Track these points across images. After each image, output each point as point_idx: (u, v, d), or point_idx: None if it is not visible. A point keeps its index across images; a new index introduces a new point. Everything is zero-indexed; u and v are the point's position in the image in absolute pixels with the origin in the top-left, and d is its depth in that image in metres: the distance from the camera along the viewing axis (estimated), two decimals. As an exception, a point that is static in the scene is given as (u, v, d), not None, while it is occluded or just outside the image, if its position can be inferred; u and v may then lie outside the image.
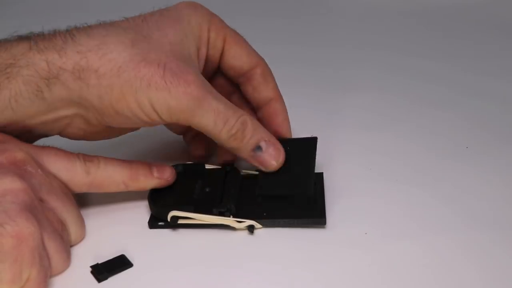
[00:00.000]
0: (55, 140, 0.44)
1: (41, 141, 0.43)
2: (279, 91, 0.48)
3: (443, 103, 0.60)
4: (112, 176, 0.43)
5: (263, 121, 0.47)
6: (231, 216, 0.43)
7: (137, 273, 0.40)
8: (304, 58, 0.70)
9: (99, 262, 0.40)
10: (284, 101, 0.48)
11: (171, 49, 0.41)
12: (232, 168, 0.47)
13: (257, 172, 0.48)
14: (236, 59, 0.46)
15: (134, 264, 0.40)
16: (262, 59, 0.47)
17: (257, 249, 0.42)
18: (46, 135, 0.44)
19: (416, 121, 0.57)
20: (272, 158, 0.44)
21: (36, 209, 0.37)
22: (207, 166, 0.48)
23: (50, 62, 0.39)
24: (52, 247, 0.38)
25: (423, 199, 0.46)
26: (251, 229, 0.43)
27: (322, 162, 0.49)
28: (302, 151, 0.45)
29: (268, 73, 0.47)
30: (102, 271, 0.40)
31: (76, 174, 0.42)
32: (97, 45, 0.39)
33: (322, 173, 0.47)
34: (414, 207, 0.45)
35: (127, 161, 0.44)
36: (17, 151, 0.39)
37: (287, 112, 0.48)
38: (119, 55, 0.39)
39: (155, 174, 0.44)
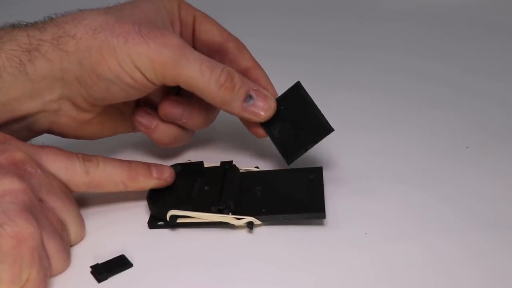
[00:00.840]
0: (55, 140, 0.44)
1: (41, 141, 0.43)
2: (256, 60, 0.48)
3: (443, 103, 0.60)
4: (111, 176, 0.43)
5: None
6: (230, 213, 0.43)
7: (137, 273, 0.40)
8: (304, 58, 0.70)
9: (99, 262, 0.40)
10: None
11: (144, 16, 0.43)
12: (231, 165, 0.48)
13: (256, 169, 0.48)
14: (207, 34, 0.48)
15: (134, 264, 0.40)
16: (232, 34, 0.48)
17: (256, 249, 0.42)
18: (38, 130, 0.45)
19: (416, 121, 0.57)
20: (265, 105, 0.45)
21: (35, 209, 0.37)
22: (206, 165, 0.48)
23: (31, 36, 0.41)
24: (52, 247, 0.38)
25: (423, 200, 0.46)
26: (250, 225, 0.43)
27: (322, 162, 0.49)
28: (295, 102, 0.46)
29: (241, 46, 0.48)
30: (102, 271, 0.40)
31: (75, 174, 0.42)
32: (73, 17, 0.42)
33: (321, 167, 0.47)
34: (414, 208, 0.45)
35: (127, 161, 0.44)
36: (17, 151, 0.39)
37: (268, 77, 0.48)
38: (94, 20, 0.41)
39: (154, 174, 0.44)
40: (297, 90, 0.46)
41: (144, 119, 0.47)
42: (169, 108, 0.46)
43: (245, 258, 0.41)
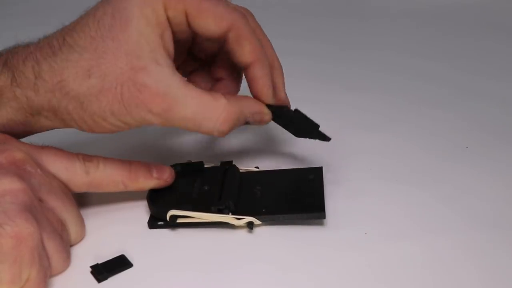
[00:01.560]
0: (55, 141, 0.44)
1: (41, 142, 0.43)
2: (259, 53, 0.43)
3: (443, 103, 0.60)
4: (111, 176, 0.43)
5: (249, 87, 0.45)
6: (230, 213, 0.43)
7: (137, 273, 0.40)
8: (303, 58, 0.70)
9: (99, 262, 0.40)
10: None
11: (129, 59, 0.40)
12: (231, 165, 0.48)
13: (256, 169, 0.48)
14: (204, 29, 0.42)
15: (134, 264, 0.40)
16: (237, 19, 0.42)
17: (256, 249, 0.42)
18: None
19: (416, 121, 0.57)
20: (262, 123, 0.45)
21: (35, 209, 0.37)
22: (206, 165, 0.48)
23: (29, 99, 0.41)
24: (52, 247, 0.38)
25: (423, 200, 0.46)
26: (250, 225, 0.43)
27: (322, 162, 0.49)
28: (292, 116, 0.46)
29: (243, 37, 0.42)
30: (102, 271, 0.40)
31: (75, 174, 0.42)
32: (59, 83, 0.40)
33: (321, 167, 0.47)
34: (414, 207, 0.45)
35: (127, 161, 0.44)
36: (16, 151, 0.39)
37: (267, 76, 0.44)
38: (79, 90, 0.40)
39: (154, 174, 0.44)
40: (293, 113, 0.46)
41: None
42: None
43: (245, 258, 0.41)
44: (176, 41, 0.42)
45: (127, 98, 0.39)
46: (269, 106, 0.45)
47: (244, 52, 0.43)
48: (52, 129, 0.43)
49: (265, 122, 0.45)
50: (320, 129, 0.46)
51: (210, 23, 0.41)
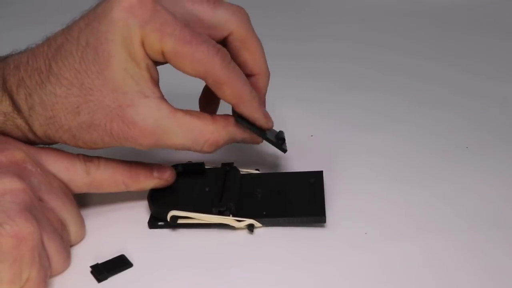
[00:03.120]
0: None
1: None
2: (241, 93, 0.42)
3: (443, 103, 0.60)
4: (112, 176, 0.43)
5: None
6: (231, 215, 0.43)
7: (137, 273, 0.40)
8: (304, 58, 0.70)
9: (99, 262, 0.40)
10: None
11: (115, 97, 0.39)
12: (232, 167, 0.48)
13: (257, 171, 0.48)
14: (180, 69, 0.41)
15: (134, 264, 0.40)
16: (215, 64, 0.40)
17: (256, 249, 0.42)
18: None
19: (416, 121, 0.57)
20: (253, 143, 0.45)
21: (35, 209, 0.37)
22: (207, 166, 0.48)
23: (27, 131, 0.42)
24: (52, 247, 0.38)
25: (423, 199, 0.46)
26: (251, 228, 0.43)
27: (323, 161, 0.49)
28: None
29: (219, 82, 0.41)
30: (102, 271, 0.40)
31: (76, 174, 0.42)
32: (51, 118, 0.40)
33: (321, 171, 0.47)
34: (414, 207, 0.45)
35: (127, 161, 0.44)
36: (17, 151, 0.39)
37: (255, 112, 0.43)
38: (71, 125, 0.40)
39: (155, 174, 0.44)
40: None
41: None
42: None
43: (245, 258, 0.41)
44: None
45: (117, 133, 0.40)
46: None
47: (225, 95, 0.42)
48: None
49: (257, 143, 0.46)
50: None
51: (186, 68, 0.40)
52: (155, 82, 0.41)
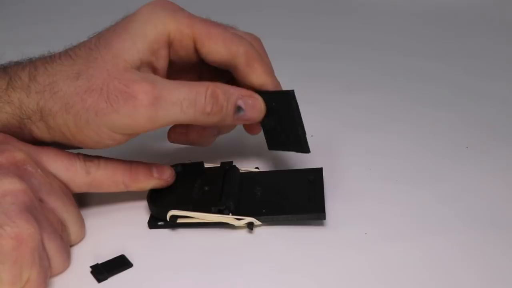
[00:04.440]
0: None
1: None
2: (270, 75, 0.45)
3: (443, 103, 0.60)
4: (112, 176, 0.43)
5: None
6: (230, 214, 0.43)
7: (137, 273, 0.40)
8: (303, 58, 0.70)
9: (99, 262, 0.40)
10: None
11: (116, 62, 0.40)
12: (231, 166, 0.48)
13: (256, 170, 0.48)
14: (213, 55, 0.43)
15: (134, 264, 0.40)
16: (246, 44, 0.43)
17: (256, 249, 0.42)
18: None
19: (416, 121, 0.57)
20: (255, 110, 0.44)
21: (36, 209, 0.37)
22: (206, 165, 0.48)
23: (22, 102, 0.41)
24: (52, 247, 0.38)
25: (423, 199, 0.46)
26: (250, 226, 0.43)
27: (322, 162, 0.49)
28: (284, 108, 0.44)
29: (252, 59, 0.43)
30: (102, 271, 0.40)
31: (76, 174, 0.42)
32: (49, 84, 0.40)
33: (321, 168, 0.47)
34: (414, 208, 0.45)
35: (127, 161, 0.44)
36: (17, 151, 0.39)
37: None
38: (67, 90, 0.40)
39: (155, 174, 0.44)
40: (288, 98, 0.44)
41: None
42: (175, 137, 0.48)
43: (245, 258, 0.41)
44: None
45: (114, 95, 0.40)
46: (261, 93, 0.44)
47: (257, 74, 0.44)
48: (42, 141, 0.42)
49: (258, 110, 0.44)
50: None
51: (219, 47, 0.42)
52: (157, 73, 0.42)
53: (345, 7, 0.85)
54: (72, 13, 0.80)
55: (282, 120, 0.45)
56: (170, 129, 0.48)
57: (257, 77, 0.44)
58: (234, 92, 0.43)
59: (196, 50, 0.43)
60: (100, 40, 0.42)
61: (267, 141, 0.47)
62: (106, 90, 0.40)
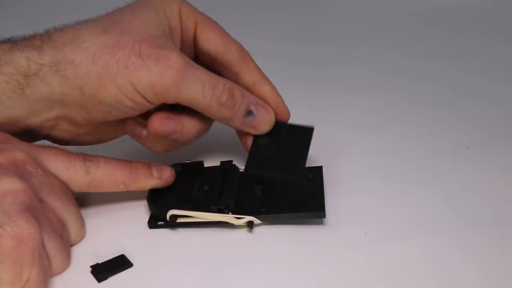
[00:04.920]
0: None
1: (41, 142, 0.43)
2: (262, 72, 0.46)
3: (443, 103, 0.60)
4: (112, 176, 0.43)
5: None
6: (230, 213, 0.43)
7: (137, 273, 0.40)
8: (303, 57, 0.70)
9: (99, 262, 0.40)
10: (284, 100, 0.48)
11: (145, 27, 0.41)
12: (231, 165, 0.48)
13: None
14: (209, 43, 0.45)
15: (134, 264, 0.40)
16: (238, 43, 0.46)
17: (256, 249, 0.42)
18: (36, 138, 0.44)
19: (416, 121, 0.57)
20: (265, 120, 0.45)
21: (36, 209, 0.37)
22: (206, 165, 0.48)
23: (29, 59, 0.40)
24: (52, 247, 0.38)
25: (423, 199, 0.46)
26: (250, 225, 0.43)
27: (322, 162, 0.49)
28: (296, 138, 0.45)
29: (246, 56, 0.46)
30: (102, 271, 0.40)
31: (76, 173, 0.42)
32: (71, 39, 0.40)
33: (321, 166, 0.47)
34: (414, 207, 0.45)
35: (127, 161, 0.44)
36: (17, 151, 0.39)
37: (277, 92, 0.46)
38: (93, 42, 0.40)
39: (155, 174, 0.44)
40: (306, 132, 0.45)
41: (134, 129, 0.45)
42: (159, 126, 0.43)
43: (245, 257, 0.41)
44: None
45: (147, 53, 0.40)
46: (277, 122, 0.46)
47: (251, 70, 0.45)
48: (44, 102, 0.41)
49: (268, 121, 0.45)
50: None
51: (216, 38, 0.45)
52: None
53: (345, 7, 0.85)
54: (73, 14, 0.80)
55: (285, 148, 0.45)
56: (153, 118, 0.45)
57: (250, 72, 0.45)
58: (249, 95, 0.44)
59: (195, 37, 0.44)
60: (121, 9, 0.42)
61: (248, 162, 0.46)
62: (138, 48, 0.40)
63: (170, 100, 0.41)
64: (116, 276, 0.40)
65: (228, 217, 0.43)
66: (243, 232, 0.43)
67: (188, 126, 0.44)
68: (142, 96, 0.40)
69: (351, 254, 0.41)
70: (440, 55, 0.70)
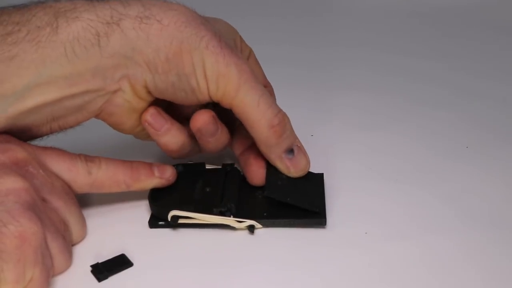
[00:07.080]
0: (57, 141, 0.44)
1: (43, 142, 0.43)
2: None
3: (443, 103, 0.60)
4: (113, 176, 0.43)
5: None
6: (232, 216, 0.43)
7: (137, 272, 0.40)
8: (303, 58, 0.70)
9: (100, 261, 0.40)
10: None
11: (221, 34, 0.42)
12: (233, 168, 0.48)
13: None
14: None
15: (134, 264, 0.40)
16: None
17: (256, 249, 0.42)
18: (89, 110, 0.42)
19: (416, 121, 0.57)
20: (301, 164, 0.44)
21: (38, 208, 0.37)
22: (208, 166, 0.48)
23: (113, 9, 0.39)
24: (55, 247, 0.38)
25: (423, 199, 0.46)
26: (251, 229, 0.43)
27: (322, 161, 0.49)
28: (309, 179, 0.45)
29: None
30: (102, 270, 0.40)
31: (78, 174, 0.42)
32: (161, 3, 0.40)
33: (322, 173, 0.47)
34: (414, 207, 0.45)
35: (128, 161, 0.44)
36: (19, 151, 0.39)
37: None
38: (183, 13, 0.40)
39: (156, 173, 0.44)
40: (318, 177, 0.46)
41: (154, 120, 0.43)
42: (206, 124, 0.42)
43: (245, 257, 0.41)
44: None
45: (226, 45, 0.41)
46: None
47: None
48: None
49: (303, 166, 0.44)
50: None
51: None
52: None
53: (345, 8, 0.85)
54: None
55: (297, 183, 0.44)
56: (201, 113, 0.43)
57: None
58: (295, 135, 0.44)
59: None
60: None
61: (268, 186, 0.44)
62: (219, 36, 0.40)
63: (227, 99, 0.41)
64: (116, 275, 0.40)
65: (230, 220, 0.43)
66: (244, 232, 0.43)
67: (174, 131, 0.44)
68: (207, 81, 0.40)
69: (351, 253, 0.41)
70: (440, 55, 0.70)
